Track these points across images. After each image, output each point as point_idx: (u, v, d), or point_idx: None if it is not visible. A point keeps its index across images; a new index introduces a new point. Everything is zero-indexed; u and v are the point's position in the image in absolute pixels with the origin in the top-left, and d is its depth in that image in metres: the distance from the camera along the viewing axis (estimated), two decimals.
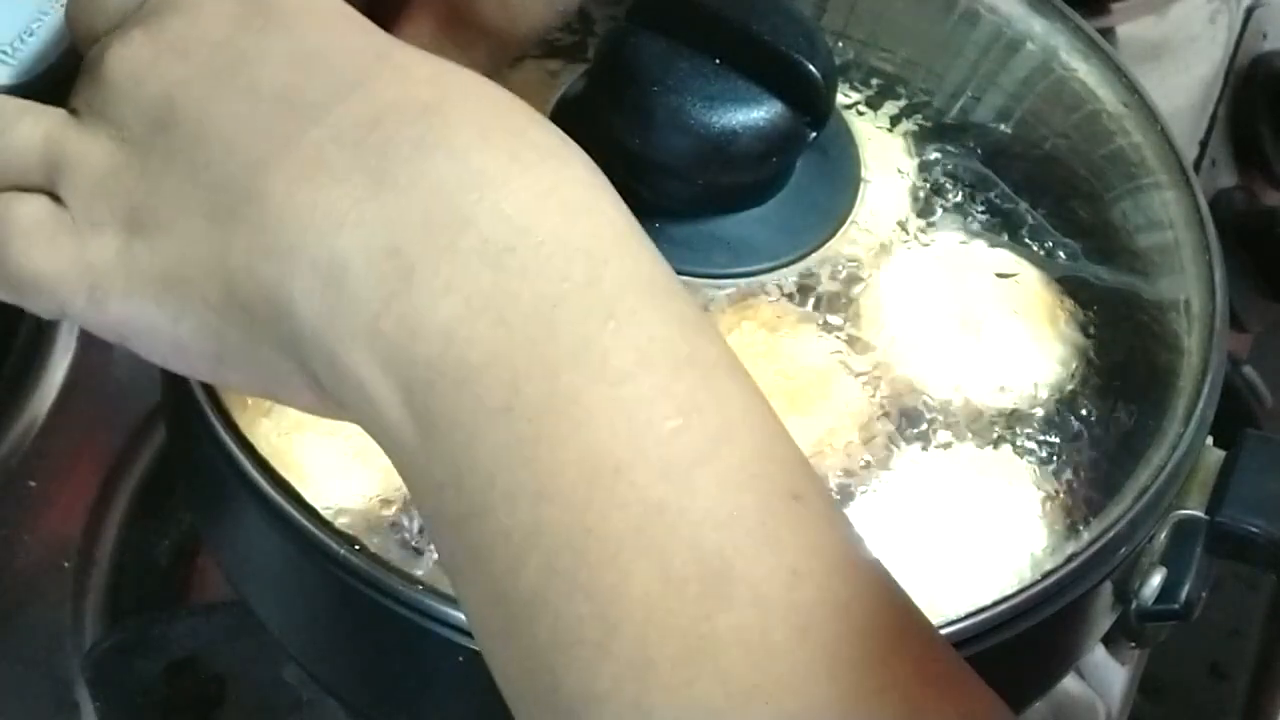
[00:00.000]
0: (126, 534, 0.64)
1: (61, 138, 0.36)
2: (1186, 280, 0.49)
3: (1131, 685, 0.65)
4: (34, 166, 0.36)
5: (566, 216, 0.33)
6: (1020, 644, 0.42)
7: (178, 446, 0.51)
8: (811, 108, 0.44)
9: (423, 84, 0.34)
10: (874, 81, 0.51)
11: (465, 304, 0.31)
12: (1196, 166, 0.73)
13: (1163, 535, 0.46)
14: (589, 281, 0.32)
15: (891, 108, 0.51)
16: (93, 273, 0.35)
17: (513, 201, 0.32)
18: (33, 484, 0.63)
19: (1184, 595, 0.46)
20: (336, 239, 0.32)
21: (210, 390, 0.44)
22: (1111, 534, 0.43)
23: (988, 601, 0.42)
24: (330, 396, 0.34)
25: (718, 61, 0.44)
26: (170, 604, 0.64)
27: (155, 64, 0.35)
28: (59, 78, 0.48)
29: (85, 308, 0.35)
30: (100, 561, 0.63)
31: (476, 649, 0.34)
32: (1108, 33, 0.68)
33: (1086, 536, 0.43)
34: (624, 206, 0.35)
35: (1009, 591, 0.42)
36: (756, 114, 0.44)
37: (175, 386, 0.46)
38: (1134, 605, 0.47)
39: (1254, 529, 0.45)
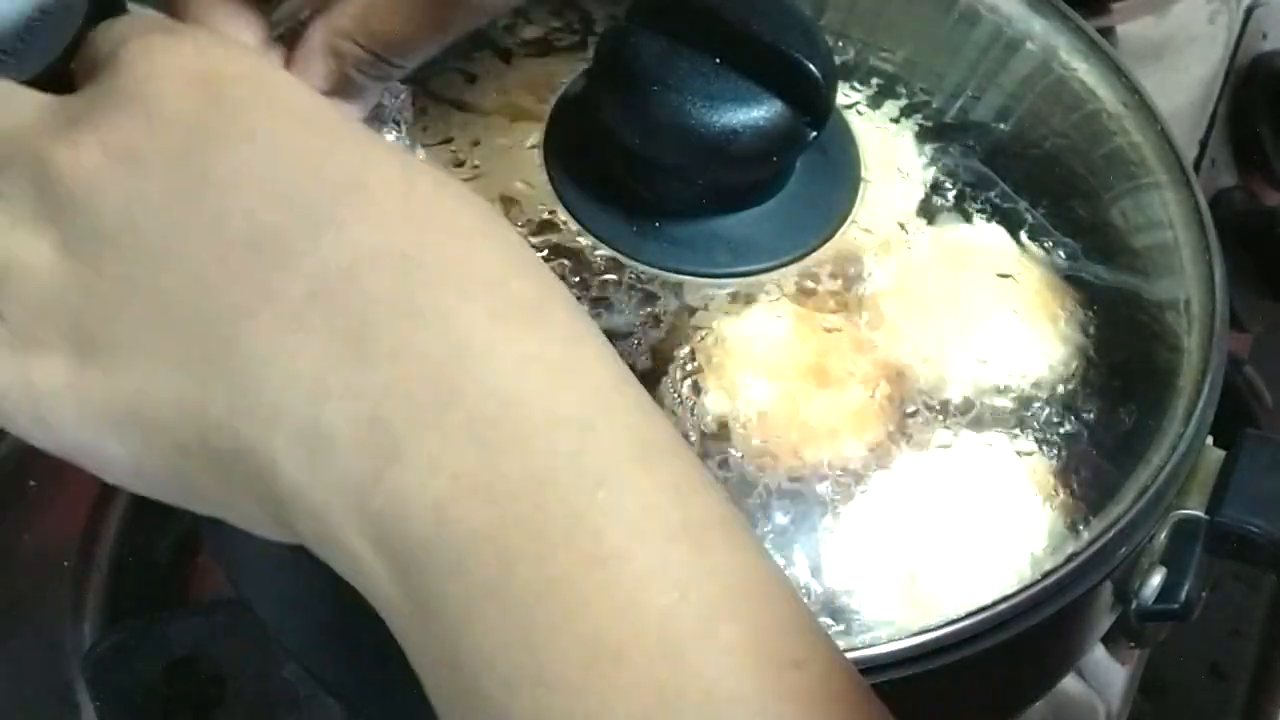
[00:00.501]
0: (126, 534, 0.64)
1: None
2: (1186, 280, 0.49)
3: (1131, 685, 0.65)
4: None
5: (551, 382, 0.32)
6: (1020, 644, 0.42)
7: None
8: (811, 107, 0.44)
9: (397, 222, 0.32)
10: (874, 81, 0.51)
11: (454, 483, 0.30)
12: (1196, 166, 0.73)
13: (1163, 535, 0.46)
14: (577, 451, 0.31)
15: (891, 108, 0.51)
16: (37, 396, 0.33)
17: (496, 371, 0.31)
18: (33, 484, 0.63)
19: (1184, 595, 0.46)
20: (322, 408, 0.31)
21: None
22: (1111, 534, 0.43)
23: (987, 601, 0.42)
24: (316, 551, 0.33)
25: (718, 61, 0.44)
26: (170, 604, 0.64)
27: (111, 174, 0.32)
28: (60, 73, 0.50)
29: (31, 429, 0.33)
30: (100, 561, 0.63)
31: None
32: (1108, 32, 0.68)
33: (1086, 536, 0.43)
34: (610, 352, 0.34)
35: (1009, 591, 0.42)
36: (756, 113, 0.43)
37: None
38: (1134, 605, 0.47)
39: (1254, 528, 0.45)
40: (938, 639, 0.41)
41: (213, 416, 0.31)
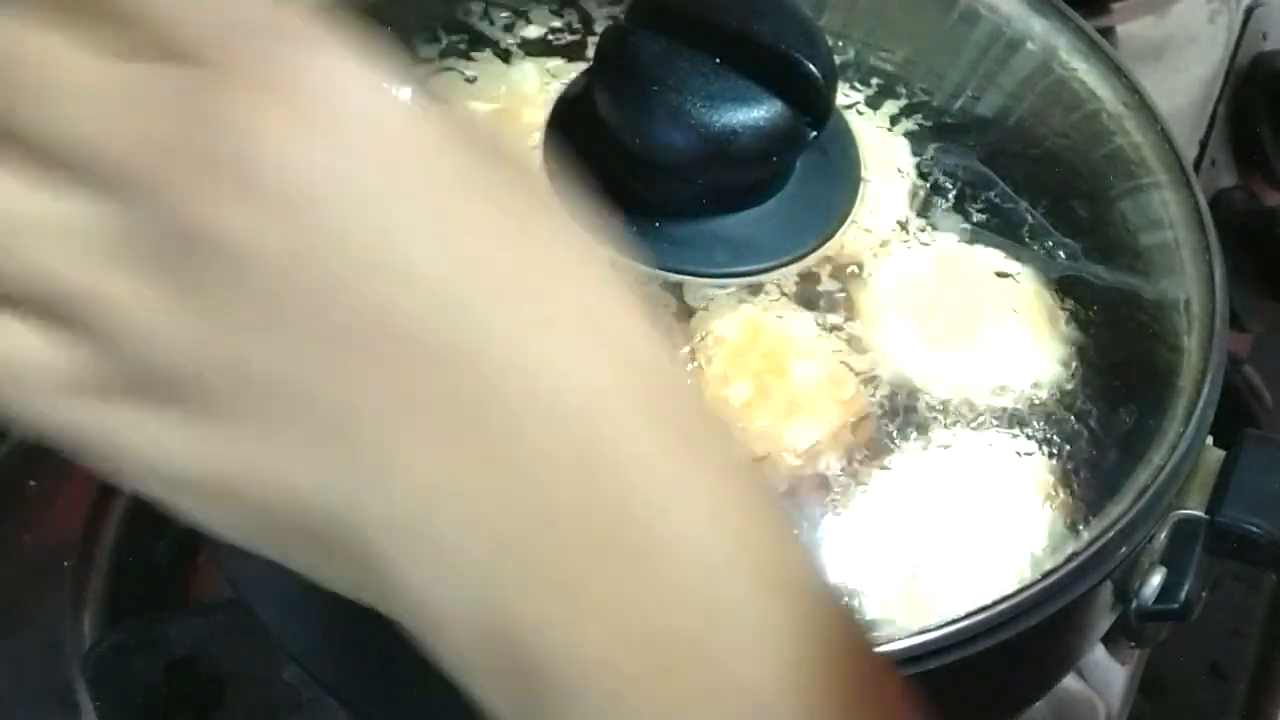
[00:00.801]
0: (126, 534, 0.64)
1: (105, 272, 0.28)
2: (1186, 280, 0.49)
3: (1131, 685, 0.65)
4: (56, 295, 0.29)
5: (722, 537, 0.30)
6: (1020, 644, 0.42)
7: None
8: (811, 107, 0.44)
9: (581, 346, 0.29)
10: (874, 81, 0.51)
11: (602, 626, 0.29)
12: (1196, 166, 0.73)
13: (1163, 535, 0.46)
14: (731, 612, 0.30)
15: (891, 107, 0.51)
16: (116, 445, 0.29)
17: (665, 519, 0.29)
18: (33, 484, 0.63)
19: (1184, 595, 0.46)
20: (463, 527, 0.29)
21: None
22: (1111, 534, 0.43)
23: (987, 601, 0.42)
24: (410, 628, 0.30)
25: (717, 61, 0.44)
26: (170, 604, 0.64)
27: (281, 222, 0.27)
28: None
29: (100, 467, 0.30)
30: (100, 561, 0.63)
31: None
32: (1108, 32, 0.68)
33: (1086, 536, 0.43)
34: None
35: (1008, 591, 0.42)
36: (756, 113, 0.43)
37: None
38: (1134, 605, 0.47)
39: (1254, 528, 0.45)
40: (937, 639, 0.41)
41: (332, 505, 0.29)
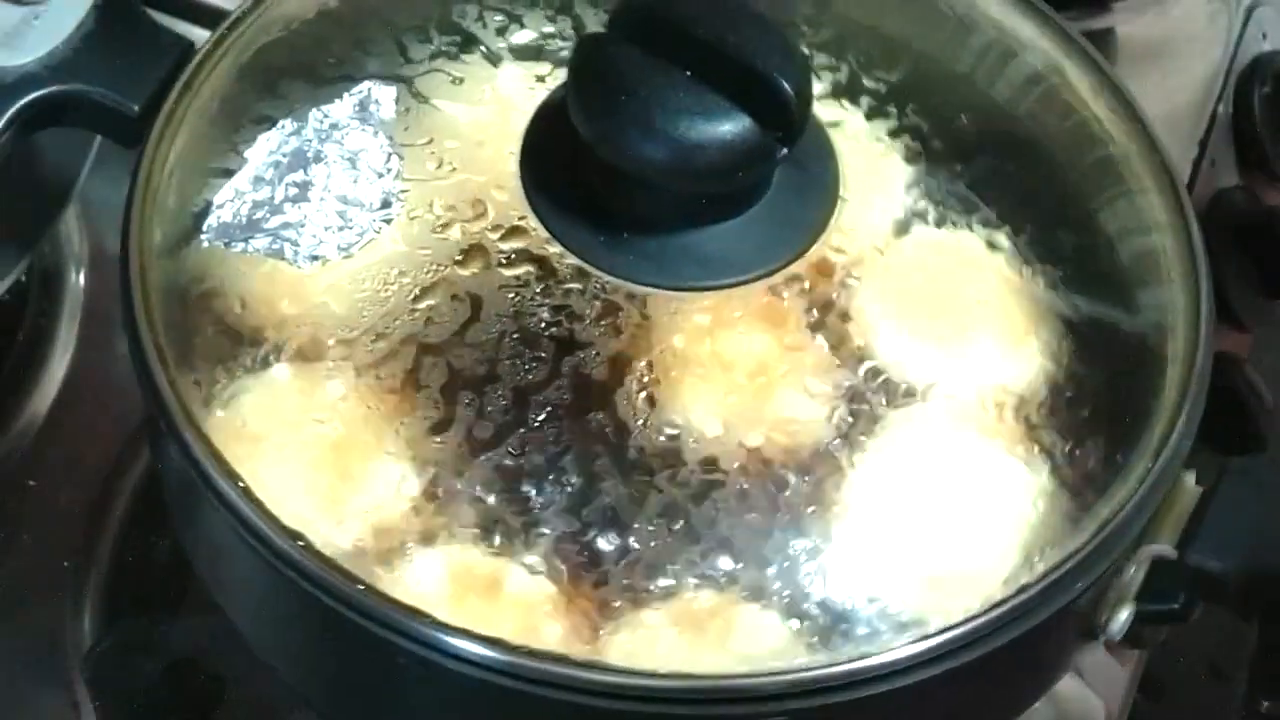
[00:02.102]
0: (126, 534, 0.64)
1: None
2: (1171, 310, 0.48)
3: (1131, 685, 0.64)
4: None
5: None
6: (973, 671, 0.42)
7: (154, 451, 0.52)
8: (783, 123, 0.44)
9: None
10: (863, 100, 0.51)
11: None
12: (1197, 166, 0.72)
13: (1136, 570, 0.45)
14: None
15: (881, 127, 0.50)
16: None
17: None
18: (32, 484, 0.64)
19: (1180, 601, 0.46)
20: None
21: (181, 400, 0.45)
22: (1069, 567, 0.42)
23: (936, 628, 0.41)
24: None
25: (689, 74, 0.44)
26: (170, 604, 0.64)
27: None
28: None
29: None
30: (100, 561, 0.64)
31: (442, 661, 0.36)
32: (1107, 33, 0.68)
33: (1041, 568, 0.42)
34: None
35: (962, 617, 0.42)
36: (725, 128, 0.43)
37: (153, 395, 0.46)
38: (1101, 639, 0.46)
39: (1223, 568, 0.44)
40: (882, 664, 0.41)
41: None
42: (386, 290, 0.46)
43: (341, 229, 0.47)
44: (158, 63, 0.51)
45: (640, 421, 0.43)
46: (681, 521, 0.43)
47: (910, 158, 0.50)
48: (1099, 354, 0.48)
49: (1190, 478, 0.47)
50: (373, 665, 0.44)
